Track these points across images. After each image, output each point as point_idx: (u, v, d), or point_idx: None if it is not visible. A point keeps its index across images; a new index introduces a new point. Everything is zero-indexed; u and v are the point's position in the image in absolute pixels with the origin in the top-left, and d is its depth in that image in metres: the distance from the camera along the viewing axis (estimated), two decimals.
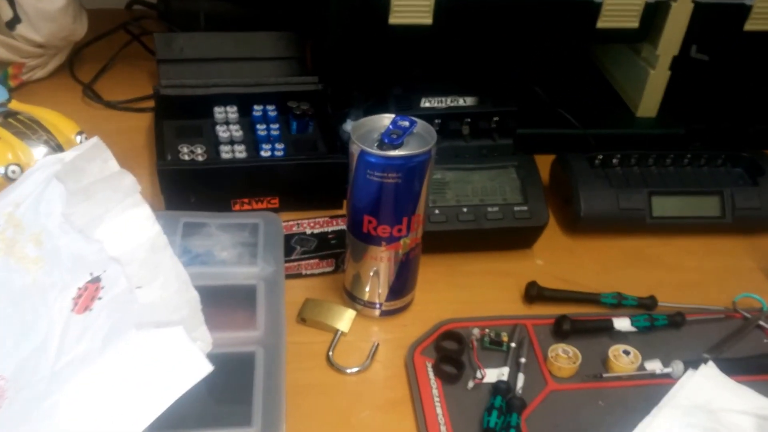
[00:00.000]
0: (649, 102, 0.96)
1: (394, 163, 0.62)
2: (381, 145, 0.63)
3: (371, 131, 0.64)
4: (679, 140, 0.96)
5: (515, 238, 0.78)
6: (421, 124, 0.64)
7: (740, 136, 0.97)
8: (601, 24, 0.89)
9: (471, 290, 0.74)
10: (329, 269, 0.75)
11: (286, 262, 0.72)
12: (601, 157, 0.84)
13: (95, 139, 0.62)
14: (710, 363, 0.63)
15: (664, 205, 0.82)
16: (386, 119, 0.65)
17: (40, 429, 0.47)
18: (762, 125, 0.97)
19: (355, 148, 0.63)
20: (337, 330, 0.69)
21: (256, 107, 0.88)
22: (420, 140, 0.63)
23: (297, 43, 0.97)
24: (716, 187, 0.83)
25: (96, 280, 0.55)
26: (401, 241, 0.66)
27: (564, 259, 0.79)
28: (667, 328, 0.71)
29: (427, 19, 0.86)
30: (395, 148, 0.62)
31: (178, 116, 0.87)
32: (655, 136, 0.96)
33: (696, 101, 1.01)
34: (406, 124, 0.64)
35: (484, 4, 0.85)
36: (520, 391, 0.63)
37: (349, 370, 0.66)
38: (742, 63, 0.97)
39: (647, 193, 0.81)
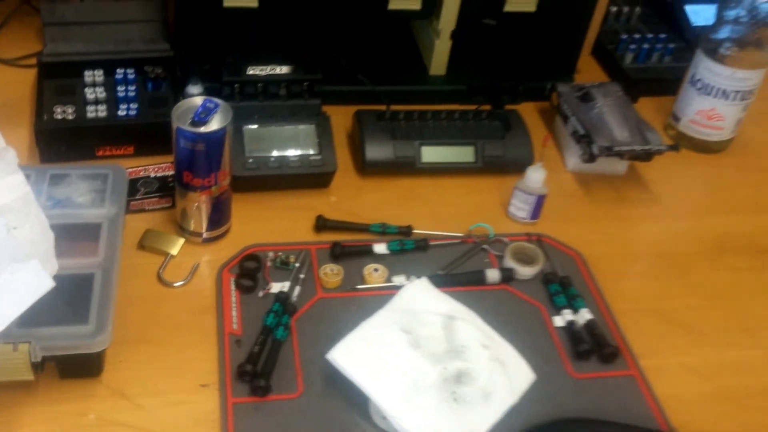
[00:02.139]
0: (437, 63, 1.14)
1: (200, 137, 0.80)
2: (193, 122, 0.80)
3: (187, 110, 0.81)
4: (463, 95, 1.14)
5: (313, 180, 0.97)
6: (223, 105, 0.82)
7: (513, 92, 1.16)
8: (391, 6, 1.06)
9: (275, 222, 0.93)
10: (167, 206, 0.92)
11: (133, 200, 0.90)
12: (388, 113, 1.03)
13: None
14: (423, 278, 0.83)
15: (431, 153, 1.01)
16: (198, 101, 0.82)
17: None
18: (531, 83, 1.15)
19: (173, 124, 0.80)
20: (168, 253, 0.87)
21: (118, 70, 1.03)
22: (222, 117, 0.81)
23: (160, 9, 1.10)
24: (473, 139, 1.02)
25: None
26: (212, 189, 0.84)
27: (353, 197, 0.98)
28: (415, 251, 0.90)
29: (254, 3, 1.02)
30: (203, 124, 0.80)
31: (56, 77, 1.02)
32: (443, 92, 1.14)
33: (482, 61, 1.19)
34: (212, 105, 0.81)
35: None
36: (294, 299, 0.83)
37: (175, 284, 0.85)
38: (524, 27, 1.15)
39: (418, 143, 1.00)
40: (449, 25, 1.10)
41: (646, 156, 0.99)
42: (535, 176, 0.93)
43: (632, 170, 1.06)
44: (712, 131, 1.08)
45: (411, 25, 1.22)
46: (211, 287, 0.83)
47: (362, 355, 0.73)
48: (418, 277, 0.83)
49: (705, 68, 1.05)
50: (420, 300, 0.79)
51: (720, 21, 1.02)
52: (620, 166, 1.04)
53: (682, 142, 1.11)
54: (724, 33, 1.02)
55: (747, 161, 1.10)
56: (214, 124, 0.80)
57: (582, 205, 1.00)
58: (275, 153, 0.94)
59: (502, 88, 1.14)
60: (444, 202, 0.98)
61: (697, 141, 1.10)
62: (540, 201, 0.94)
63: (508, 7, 1.09)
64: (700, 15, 1.26)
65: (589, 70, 1.25)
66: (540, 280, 0.88)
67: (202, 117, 0.80)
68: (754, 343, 0.85)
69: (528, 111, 1.13)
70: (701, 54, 1.05)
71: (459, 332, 0.76)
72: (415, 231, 0.92)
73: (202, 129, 0.79)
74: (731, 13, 1.00)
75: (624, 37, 1.23)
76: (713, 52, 1.03)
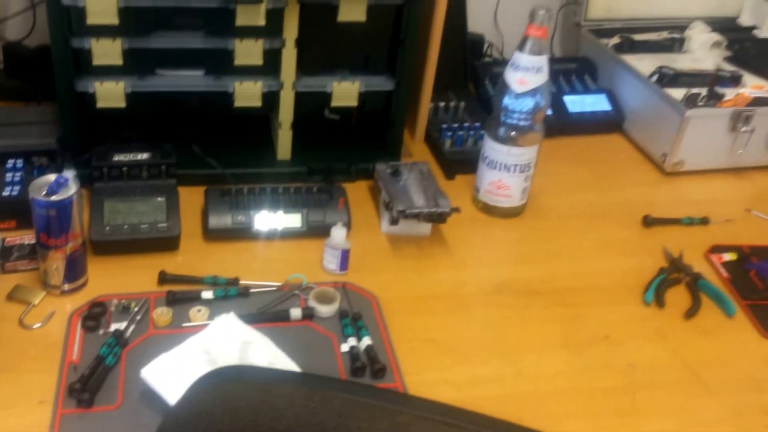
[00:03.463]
0: (282, 149, 1.33)
1: (51, 204, 0.97)
2: (47, 194, 0.97)
3: (43, 185, 0.99)
4: (305, 175, 1.33)
5: (162, 243, 1.13)
6: (71, 179, 0.99)
7: (347, 172, 1.35)
8: (237, 104, 1.25)
9: (127, 277, 1.08)
10: (36, 266, 1.09)
11: (8, 262, 1.06)
12: (233, 190, 1.21)
13: None
14: (231, 313, 0.99)
15: (264, 221, 1.18)
16: (52, 177, 0.99)
17: None
18: (361, 165, 1.34)
19: (30, 196, 0.97)
20: (30, 303, 1.03)
21: (10, 161, 1.21)
22: (70, 189, 0.98)
23: (52, 112, 1.28)
24: (300, 208, 1.20)
25: None
26: (65, 248, 1.01)
27: (197, 257, 1.14)
28: (237, 297, 1.06)
29: (122, 104, 1.21)
30: (55, 195, 0.97)
31: None
32: (287, 173, 1.32)
33: (324, 146, 1.38)
34: (62, 180, 0.99)
35: (156, 95, 1.21)
36: (128, 335, 0.99)
37: (33, 327, 1.00)
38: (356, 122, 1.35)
39: (253, 213, 1.18)
40: (288, 118, 1.29)
41: (438, 217, 1.18)
42: (338, 234, 1.10)
43: (437, 232, 1.24)
44: (503, 198, 1.27)
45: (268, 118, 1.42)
46: (62, 328, 0.99)
47: (168, 371, 0.88)
48: (229, 314, 1.00)
49: (489, 147, 1.25)
50: (225, 329, 0.95)
51: (498, 109, 1.22)
52: (424, 228, 1.22)
53: (483, 209, 1.29)
54: (502, 118, 1.22)
55: (533, 223, 1.29)
56: (63, 195, 0.97)
57: (388, 259, 1.18)
58: (130, 221, 1.11)
59: (338, 168, 1.33)
60: (273, 260, 1.15)
61: (492, 207, 1.28)
62: (345, 254, 1.11)
63: (335, 103, 1.28)
64: None
65: (420, 154, 1.45)
66: (337, 317, 1.04)
67: (54, 189, 0.97)
68: (506, 362, 1.02)
69: (360, 187, 1.31)
70: (486, 136, 1.25)
71: (251, 352, 0.92)
72: (242, 282, 1.09)
73: (53, 198, 0.96)
74: (504, 103, 1.21)
75: (444, 126, 1.44)
76: (494, 134, 1.23)
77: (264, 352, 0.92)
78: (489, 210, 1.29)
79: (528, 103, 1.19)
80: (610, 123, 1.55)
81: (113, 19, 1.12)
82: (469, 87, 1.59)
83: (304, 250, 1.16)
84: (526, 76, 1.17)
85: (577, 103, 1.55)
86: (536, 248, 1.23)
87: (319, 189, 1.23)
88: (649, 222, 1.28)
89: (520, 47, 1.17)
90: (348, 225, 1.18)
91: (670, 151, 1.40)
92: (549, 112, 1.49)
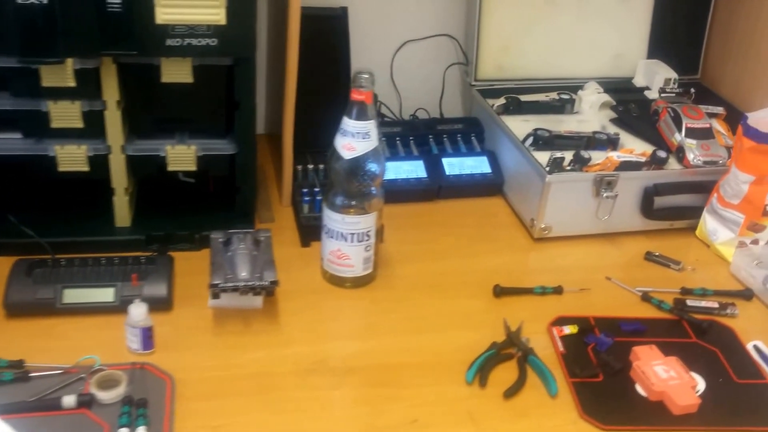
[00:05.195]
0: (120, 216, 1.22)
1: None
2: None
3: None
4: (143, 243, 1.21)
5: None
6: None
7: (190, 240, 1.23)
8: (61, 168, 1.14)
9: None
10: None
11: None
12: (50, 261, 1.09)
13: None
14: None
15: (75, 295, 1.07)
16: None
17: None
18: (202, 232, 1.23)
19: None
20: None
21: None
22: None
23: None
24: (114, 281, 1.08)
25: None
26: None
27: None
28: (14, 382, 0.93)
29: None
30: None
31: None
32: (122, 241, 1.21)
33: (177, 211, 1.27)
34: None
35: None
36: None
37: None
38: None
39: (61, 286, 1.06)
40: (122, 183, 1.18)
41: (261, 290, 1.06)
42: (136, 312, 0.99)
43: (272, 305, 1.12)
44: (345, 268, 1.15)
45: None
46: None
47: None
48: None
49: (326, 216, 1.13)
50: None
51: (330, 176, 1.11)
52: (255, 301, 1.10)
53: (331, 279, 1.17)
54: (336, 186, 1.11)
55: (379, 294, 1.17)
56: None
57: (206, 336, 1.06)
58: None
59: (180, 236, 1.22)
60: (75, 338, 1.03)
61: (335, 277, 1.17)
62: (146, 333, 0.99)
63: (171, 167, 1.18)
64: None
65: (284, 219, 1.33)
66: (121, 403, 0.92)
67: None
68: None
69: (204, 255, 1.19)
70: (324, 204, 1.13)
71: None
72: (28, 364, 0.97)
73: None
74: (336, 170, 1.10)
75: (305, 191, 1.32)
76: (330, 202, 1.12)
77: None
78: (335, 280, 1.17)
79: (359, 170, 1.08)
80: (491, 186, 1.44)
81: None
82: None
83: (114, 327, 1.04)
84: (353, 141, 1.06)
85: (455, 165, 1.44)
86: (372, 322, 1.12)
87: (146, 259, 1.11)
88: (498, 292, 1.16)
89: (348, 112, 1.06)
90: (167, 299, 1.06)
91: (536, 217, 1.28)
92: (423, 174, 1.39)
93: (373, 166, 1.09)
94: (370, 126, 1.06)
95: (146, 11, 1.01)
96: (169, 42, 1.05)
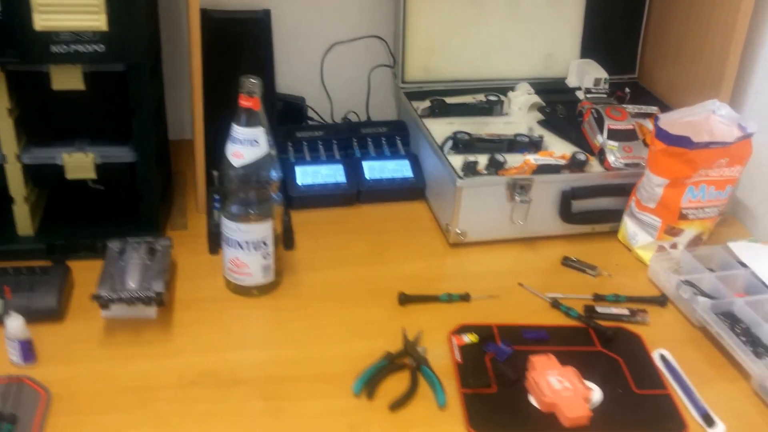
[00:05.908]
0: (22, 224, 1.19)
1: None
2: None
3: None
4: (45, 252, 1.18)
5: None
6: None
7: (93, 248, 1.20)
8: None
9: None
10: None
11: None
12: None
13: None
14: None
15: None
16: None
17: None
18: (106, 241, 1.20)
19: None
20: None
21: None
22: None
23: None
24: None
25: None
26: None
27: None
28: None
29: None
30: None
31: None
32: (22, 250, 1.18)
33: (85, 219, 1.24)
34: None
35: None
36: None
37: None
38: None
39: None
40: (20, 191, 1.15)
41: (148, 300, 1.03)
42: (12, 324, 0.96)
43: (167, 315, 1.09)
44: (244, 277, 1.12)
45: None
46: None
47: None
48: None
49: (224, 225, 1.11)
50: None
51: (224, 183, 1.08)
52: (148, 311, 1.07)
53: (234, 288, 1.15)
54: (231, 194, 1.08)
55: (280, 303, 1.14)
56: None
57: (93, 348, 1.03)
58: None
59: (83, 245, 1.19)
60: None
61: (236, 286, 1.14)
62: (25, 345, 0.97)
63: (70, 175, 1.15)
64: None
65: (198, 226, 1.31)
66: None
67: None
68: None
69: None
70: (221, 211, 1.11)
71: None
72: None
73: None
74: (228, 177, 1.07)
75: (216, 197, 1.29)
76: (226, 210, 1.09)
77: None
78: (237, 289, 1.15)
79: (250, 177, 1.05)
80: (413, 190, 1.41)
81: None
82: None
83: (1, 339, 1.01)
84: (242, 149, 1.03)
85: (376, 169, 1.41)
86: (270, 332, 1.09)
87: (41, 269, 1.09)
88: (402, 300, 1.13)
89: (236, 119, 1.03)
90: (57, 310, 1.04)
91: (451, 222, 1.25)
92: (343, 179, 1.36)
93: (264, 174, 1.06)
94: (259, 132, 1.03)
95: (25, 18, 0.98)
96: (55, 49, 1.02)
